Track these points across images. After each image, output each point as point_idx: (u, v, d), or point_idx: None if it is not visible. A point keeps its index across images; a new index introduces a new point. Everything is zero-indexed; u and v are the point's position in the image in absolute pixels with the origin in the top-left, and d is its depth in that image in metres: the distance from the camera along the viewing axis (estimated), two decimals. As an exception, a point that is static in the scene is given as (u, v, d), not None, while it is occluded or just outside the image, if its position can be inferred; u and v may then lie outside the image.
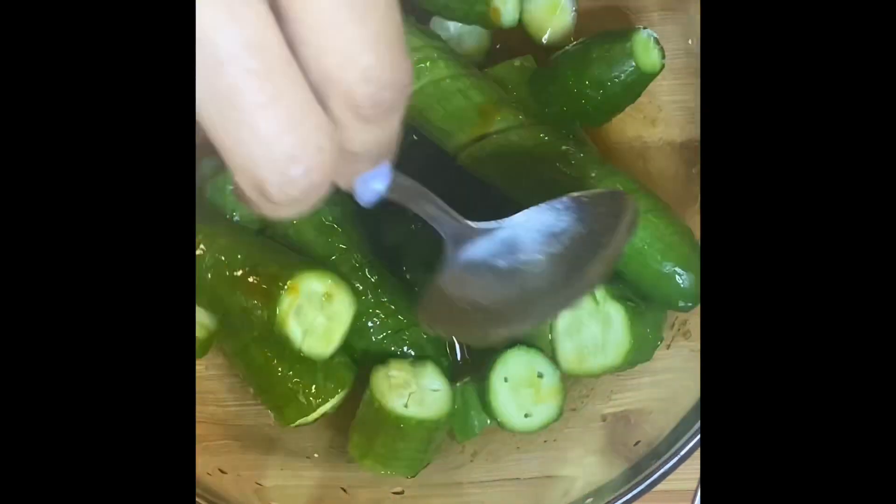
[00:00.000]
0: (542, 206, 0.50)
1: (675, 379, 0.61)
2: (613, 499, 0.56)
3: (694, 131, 0.66)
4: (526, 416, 0.60)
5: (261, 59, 0.29)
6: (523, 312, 0.48)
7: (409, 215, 0.48)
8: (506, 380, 0.59)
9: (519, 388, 0.60)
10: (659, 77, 0.66)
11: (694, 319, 0.61)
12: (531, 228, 0.50)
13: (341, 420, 0.66)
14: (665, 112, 0.67)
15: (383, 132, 0.34)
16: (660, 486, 0.56)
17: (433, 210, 0.46)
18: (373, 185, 0.40)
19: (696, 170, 0.65)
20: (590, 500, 0.57)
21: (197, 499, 0.56)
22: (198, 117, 0.31)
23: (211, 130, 0.30)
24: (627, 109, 0.65)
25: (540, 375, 0.60)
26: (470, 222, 0.48)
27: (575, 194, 0.50)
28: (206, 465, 0.59)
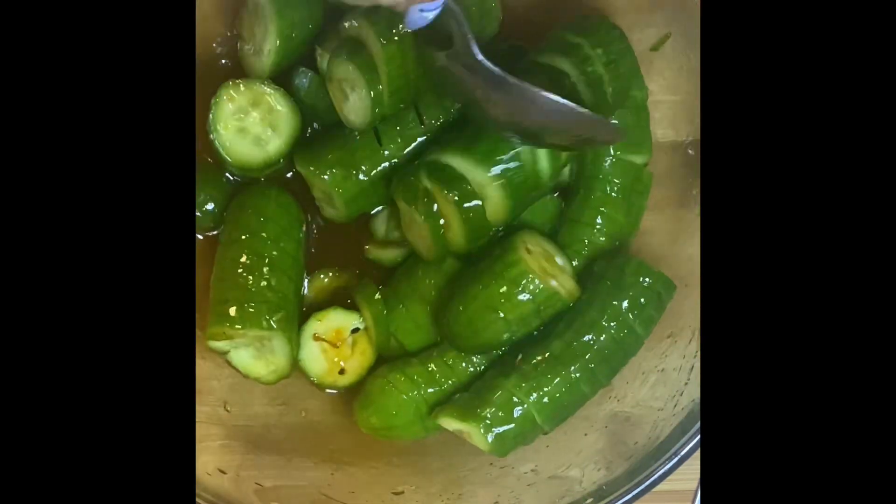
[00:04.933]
0: (554, 97, 0.55)
1: (675, 379, 0.61)
2: (613, 499, 0.56)
3: (692, 131, 0.66)
4: None
5: None
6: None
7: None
8: None
9: None
10: (656, 75, 0.66)
11: (693, 320, 0.61)
12: (526, 98, 0.55)
13: (342, 420, 0.66)
14: (659, 112, 0.67)
15: None
16: (660, 486, 0.56)
17: (463, 30, 0.55)
18: (425, 12, 0.49)
19: (696, 170, 0.65)
20: (590, 500, 0.57)
21: (197, 499, 0.56)
22: None
23: None
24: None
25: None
26: (483, 59, 0.55)
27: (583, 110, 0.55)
28: (206, 465, 0.59)
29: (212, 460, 0.60)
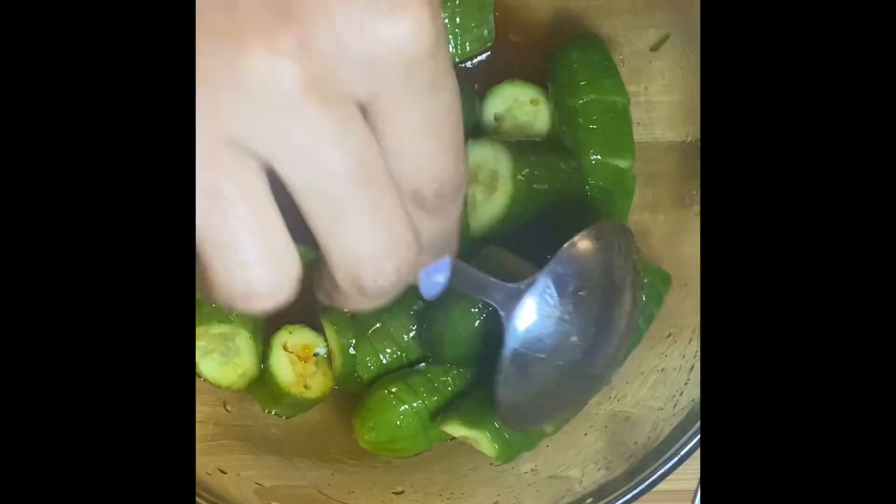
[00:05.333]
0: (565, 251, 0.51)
1: (675, 378, 0.61)
2: (613, 499, 0.56)
3: (692, 131, 0.66)
4: None
5: (365, 172, 0.33)
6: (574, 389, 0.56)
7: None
8: None
9: None
10: (656, 75, 0.66)
11: (693, 320, 0.61)
12: (563, 271, 0.51)
13: (341, 420, 0.66)
14: (659, 112, 0.67)
15: (444, 224, 0.39)
16: (660, 486, 0.56)
17: (483, 281, 0.50)
18: (435, 277, 0.43)
19: (696, 170, 0.65)
20: (590, 500, 0.57)
21: (197, 499, 0.56)
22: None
23: (319, 235, 0.34)
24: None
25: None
26: (512, 284, 0.50)
27: (583, 233, 0.52)
28: (206, 465, 0.59)
29: (212, 460, 0.60)
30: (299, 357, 0.65)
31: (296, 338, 0.65)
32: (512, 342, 0.51)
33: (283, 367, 0.64)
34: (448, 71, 0.35)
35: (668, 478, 0.56)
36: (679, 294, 0.63)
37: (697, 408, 0.57)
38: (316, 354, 0.66)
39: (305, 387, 0.65)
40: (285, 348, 0.65)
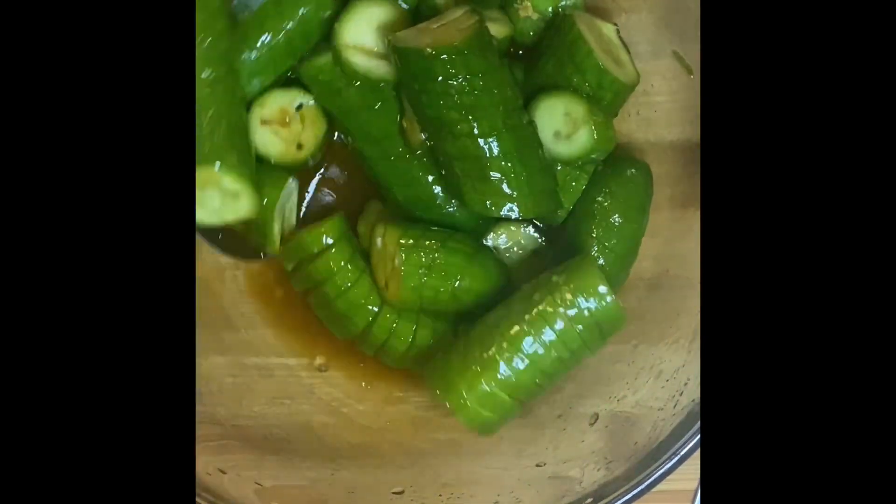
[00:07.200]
0: None
1: (675, 379, 0.61)
2: (613, 499, 0.56)
3: (692, 131, 0.66)
4: None
5: None
6: None
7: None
8: None
9: None
10: (657, 75, 0.66)
11: (693, 320, 0.62)
12: None
13: (341, 421, 0.66)
14: (659, 112, 0.67)
15: None
16: (660, 486, 0.56)
17: None
18: None
19: (696, 170, 0.65)
20: (590, 500, 0.57)
21: (197, 499, 0.56)
22: None
23: None
24: (623, 110, 0.66)
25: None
26: None
27: None
28: (206, 465, 0.59)
29: (212, 460, 0.60)
30: (280, 124, 0.65)
31: (268, 107, 0.65)
32: None
33: (270, 142, 0.64)
34: None
35: (668, 478, 0.56)
36: (679, 294, 0.63)
37: (697, 408, 0.57)
38: (299, 108, 0.65)
39: (299, 148, 0.65)
40: (263, 122, 0.64)
